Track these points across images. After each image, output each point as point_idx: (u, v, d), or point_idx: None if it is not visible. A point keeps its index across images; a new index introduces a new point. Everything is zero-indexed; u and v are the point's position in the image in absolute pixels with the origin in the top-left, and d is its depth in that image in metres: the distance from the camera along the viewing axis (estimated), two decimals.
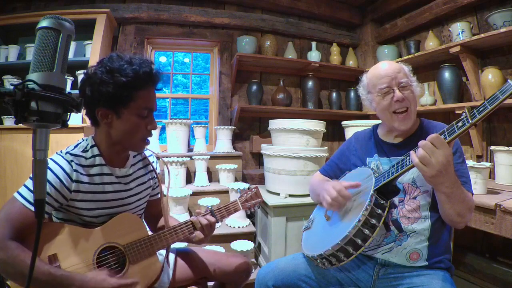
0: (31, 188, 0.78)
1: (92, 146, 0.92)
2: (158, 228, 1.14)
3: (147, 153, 1.11)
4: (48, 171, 0.80)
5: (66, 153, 0.88)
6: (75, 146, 0.91)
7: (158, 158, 1.17)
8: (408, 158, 0.84)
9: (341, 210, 0.97)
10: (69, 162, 0.85)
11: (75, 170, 0.86)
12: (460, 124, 0.75)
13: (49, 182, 0.80)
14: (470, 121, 0.72)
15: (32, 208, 0.76)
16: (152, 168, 1.10)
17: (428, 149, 0.76)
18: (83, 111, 0.89)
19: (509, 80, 0.68)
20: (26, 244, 0.76)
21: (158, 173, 1.13)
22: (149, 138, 0.96)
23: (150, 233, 0.98)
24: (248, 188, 1.22)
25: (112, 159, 0.94)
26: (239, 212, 1.17)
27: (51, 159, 0.85)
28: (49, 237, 0.82)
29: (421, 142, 0.78)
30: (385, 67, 1.02)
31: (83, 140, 0.94)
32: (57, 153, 0.88)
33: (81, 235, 0.86)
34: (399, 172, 0.84)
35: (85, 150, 0.90)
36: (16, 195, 0.79)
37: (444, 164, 0.74)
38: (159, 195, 1.16)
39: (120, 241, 0.90)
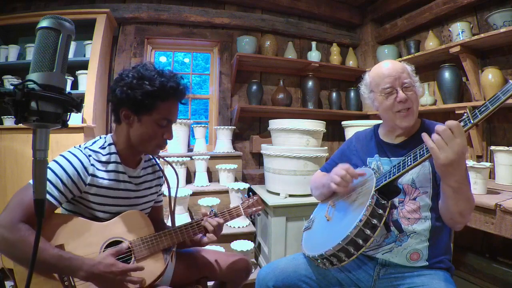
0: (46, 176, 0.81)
1: (109, 144, 0.95)
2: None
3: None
4: (67, 162, 0.85)
5: (85, 147, 0.92)
6: (93, 143, 0.95)
7: (159, 158, 1.17)
8: (409, 158, 0.83)
9: (342, 210, 0.97)
10: (88, 156, 0.89)
11: (92, 165, 0.89)
12: (461, 124, 0.75)
13: (67, 174, 0.84)
14: (472, 121, 0.72)
15: (46, 195, 0.78)
16: (158, 176, 1.13)
17: (446, 135, 0.73)
18: (110, 108, 0.94)
19: (510, 81, 0.68)
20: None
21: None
22: (164, 143, 0.98)
23: None
24: (249, 195, 1.23)
25: (127, 159, 0.98)
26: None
27: (69, 151, 0.89)
28: (58, 228, 0.84)
29: (439, 127, 0.74)
30: (388, 67, 1.01)
31: (101, 138, 0.97)
32: (75, 147, 0.92)
33: (89, 228, 0.88)
34: (400, 172, 0.83)
35: (102, 147, 0.94)
36: (31, 181, 0.80)
37: (459, 154, 0.72)
38: (161, 203, 1.20)
39: (127, 236, 0.92)
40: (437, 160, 0.74)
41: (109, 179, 0.92)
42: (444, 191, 0.82)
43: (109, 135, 0.99)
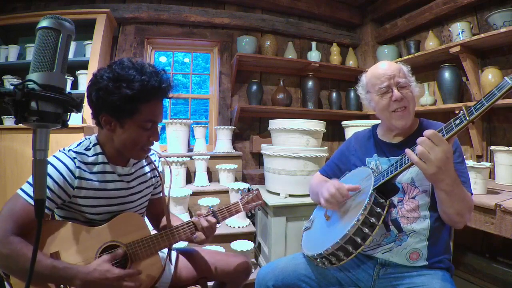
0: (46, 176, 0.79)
1: (94, 145, 0.92)
2: (160, 227, 1.15)
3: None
4: (51, 168, 0.82)
5: (69, 150, 0.88)
6: (78, 145, 0.92)
7: (159, 156, 1.17)
8: (406, 157, 0.84)
9: (340, 210, 0.97)
10: (72, 159, 0.86)
11: (78, 167, 0.86)
12: (457, 121, 0.75)
13: (52, 179, 0.81)
14: (468, 118, 0.71)
15: (46, 195, 0.77)
16: (154, 167, 1.11)
17: (427, 145, 0.74)
18: (89, 112, 0.89)
19: (506, 77, 0.68)
20: (29, 239, 0.76)
21: (161, 171, 1.14)
22: (150, 146, 0.95)
23: (152, 232, 0.98)
24: (249, 190, 1.22)
25: (114, 158, 0.95)
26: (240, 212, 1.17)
27: (54, 156, 0.86)
28: (52, 235, 0.83)
29: (419, 139, 0.76)
30: (384, 67, 1.02)
31: (86, 139, 0.94)
32: (60, 150, 0.89)
33: (83, 233, 0.86)
34: (398, 171, 0.83)
35: (87, 148, 0.91)
36: (19, 191, 0.79)
37: (444, 160, 0.73)
38: (161, 194, 1.16)
39: (123, 240, 0.91)
40: (424, 172, 0.76)
41: (97, 181, 0.89)
42: (438, 196, 0.84)
43: (93, 135, 0.95)
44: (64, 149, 0.89)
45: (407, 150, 0.80)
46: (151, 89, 0.83)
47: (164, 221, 1.14)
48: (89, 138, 0.94)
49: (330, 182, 0.99)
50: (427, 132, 0.75)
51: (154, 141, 0.93)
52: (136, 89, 0.80)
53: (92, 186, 0.88)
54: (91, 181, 0.88)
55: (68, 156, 0.86)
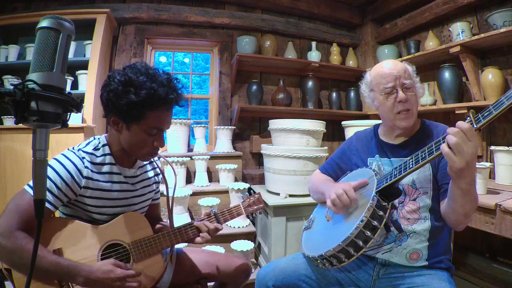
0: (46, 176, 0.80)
1: (103, 145, 0.94)
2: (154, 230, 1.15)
3: None
4: (60, 166, 0.83)
5: (79, 150, 0.90)
6: (87, 144, 0.93)
7: (159, 157, 1.17)
8: (411, 160, 0.83)
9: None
10: (81, 159, 0.87)
11: (86, 167, 0.88)
12: None
13: (61, 177, 0.82)
14: (475, 126, 0.71)
15: (46, 195, 0.78)
16: (157, 173, 1.12)
17: (461, 137, 0.69)
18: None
19: None
20: (34, 235, 0.76)
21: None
22: (155, 151, 0.96)
23: None
24: (250, 193, 1.22)
25: (121, 159, 0.96)
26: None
27: (63, 154, 0.87)
28: (55, 232, 0.84)
29: (452, 129, 0.71)
30: (390, 66, 1.01)
31: (95, 139, 0.96)
32: (68, 149, 0.90)
33: (87, 231, 0.87)
34: (401, 175, 0.83)
35: (96, 148, 0.92)
36: (26, 187, 0.81)
37: (473, 157, 0.70)
38: (158, 200, 1.19)
39: (126, 239, 0.91)
40: (453, 165, 0.71)
41: (104, 181, 0.91)
42: (453, 194, 0.80)
43: (103, 135, 0.97)
44: (73, 148, 0.90)
45: (443, 146, 0.73)
46: (158, 99, 0.84)
47: (156, 223, 1.15)
48: (98, 138, 0.96)
49: (339, 184, 0.97)
50: (462, 125, 0.70)
51: (159, 147, 0.94)
52: (142, 96, 0.81)
53: (98, 186, 0.89)
54: (98, 181, 0.89)
55: (77, 156, 0.87)
